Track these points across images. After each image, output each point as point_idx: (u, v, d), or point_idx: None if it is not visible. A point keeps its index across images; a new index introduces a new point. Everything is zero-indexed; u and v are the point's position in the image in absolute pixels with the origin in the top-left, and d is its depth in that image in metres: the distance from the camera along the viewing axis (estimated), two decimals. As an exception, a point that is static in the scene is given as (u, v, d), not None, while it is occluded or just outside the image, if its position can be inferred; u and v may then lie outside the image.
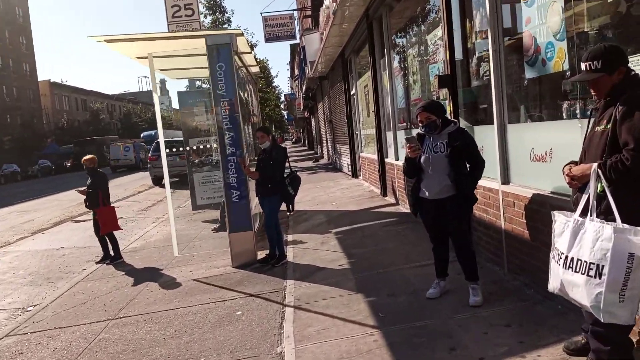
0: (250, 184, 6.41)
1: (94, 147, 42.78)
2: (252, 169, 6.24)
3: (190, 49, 6.86)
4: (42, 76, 67.04)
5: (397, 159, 8.67)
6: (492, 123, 4.64)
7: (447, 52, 5.51)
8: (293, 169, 6.19)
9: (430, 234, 4.29)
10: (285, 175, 6.06)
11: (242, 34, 6.75)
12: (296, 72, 45.76)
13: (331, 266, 5.61)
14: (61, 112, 62.82)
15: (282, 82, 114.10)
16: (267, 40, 20.55)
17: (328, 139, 22.22)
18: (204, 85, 23.72)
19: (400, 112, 8.35)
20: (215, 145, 9.68)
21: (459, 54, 5.49)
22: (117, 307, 5.24)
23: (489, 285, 4.25)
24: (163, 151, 6.51)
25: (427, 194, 4.11)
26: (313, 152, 36.51)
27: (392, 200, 9.09)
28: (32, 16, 63.85)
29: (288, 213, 6.16)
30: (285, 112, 59.12)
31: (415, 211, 4.25)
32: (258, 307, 4.69)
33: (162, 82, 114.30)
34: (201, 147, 10.07)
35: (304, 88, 24.23)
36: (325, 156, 25.03)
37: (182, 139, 10.61)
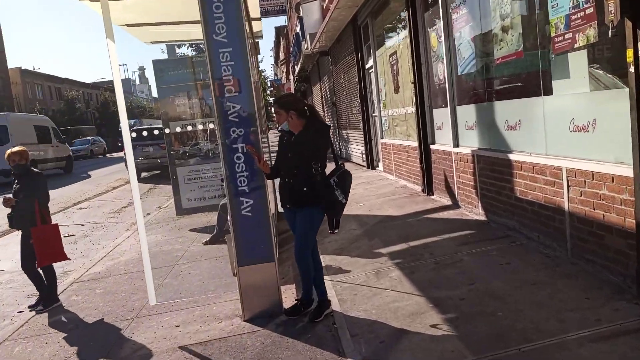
0: (269, 185, 4.06)
1: (69, 138, 39.85)
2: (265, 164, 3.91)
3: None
4: (12, 64, 63.18)
5: (456, 144, 6.37)
6: None
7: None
8: (340, 162, 3.85)
9: None
10: (328, 174, 3.74)
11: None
12: (282, 56, 43.07)
13: (417, 327, 3.30)
14: (34, 102, 59.31)
15: (266, 68, 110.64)
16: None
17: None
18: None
19: (465, 80, 6.03)
20: (203, 128, 7.29)
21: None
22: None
23: None
24: (127, 140, 4.03)
25: None
26: (305, 140, 34.03)
27: (446, 201, 6.80)
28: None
29: (330, 232, 3.83)
30: (271, 99, 56.45)
31: None
32: None
33: (142, 69, 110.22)
34: (187, 131, 7.67)
35: (297, 69, 21.74)
36: (323, 144, 22.63)
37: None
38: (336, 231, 3.83)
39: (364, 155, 12.13)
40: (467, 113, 5.94)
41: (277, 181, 3.91)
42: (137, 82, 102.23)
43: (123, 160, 17.52)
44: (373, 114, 11.47)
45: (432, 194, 7.43)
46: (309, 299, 3.87)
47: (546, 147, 4.28)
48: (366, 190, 8.93)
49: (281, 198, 3.81)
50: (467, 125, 5.98)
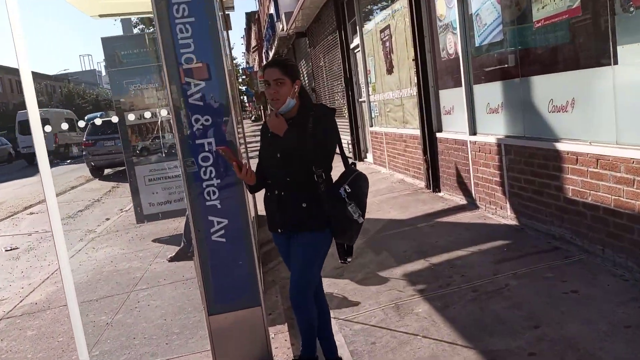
0: (250, 199, 2.89)
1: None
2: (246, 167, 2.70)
3: None
4: (-33, 54, 59.51)
5: (473, 132, 5.28)
6: None
7: None
8: (351, 163, 2.70)
9: None
10: (335, 180, 2.59)
11: None
12: (253, 42, 41.42)
13: (480, 412, 2.21)
14: (-7, 95, 56.20)
15: (237, 56, 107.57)
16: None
17: (306, 113, 18.60)
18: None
19: (486, 52, 4.92)
20: (165, 117, 6.07)
21: None
22: None
23: None
24: (38, 131, 2.76)
25: None
26: (281, 129, 32.71)
27: (459, 200, 5.72)
28: (-51, -15, 56.21)
29: (342, 262, 2.68)
30: (244, 88, 54.72)
31: None
32: None
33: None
34: (146, 121, 6.42)
35: (271, 53, 20.39)
36: (301, 133, 21.40)
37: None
38: (349, 260, 2.69)
39: (350, 146, 10.99)
40: (490, 93, 4.84)
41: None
42: (103, 73, 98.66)
43: (83, 157, 15.98)
44: (360, 99, 10.32)
45: (439, 191, 6.35)
46: (311, 356, 2.73)
47: (617, 133, 3.22)
48: (358, 186, 7.80)
49: (269, 219, 2.63)
50: (489, 109, 4.88)
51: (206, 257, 2.61)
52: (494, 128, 4.81)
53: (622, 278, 3.18)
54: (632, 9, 2.92)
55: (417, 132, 6.70)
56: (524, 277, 3.45)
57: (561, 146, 3.75)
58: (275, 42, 18.22)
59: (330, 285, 3.82)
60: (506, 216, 4.74)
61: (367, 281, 3.87)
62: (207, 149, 2.57)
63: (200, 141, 2.56)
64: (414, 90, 6.59)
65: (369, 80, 9.37)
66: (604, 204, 3.37)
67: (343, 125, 11.80)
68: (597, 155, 3.36)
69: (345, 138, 11.42)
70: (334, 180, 2.55)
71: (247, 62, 58.75)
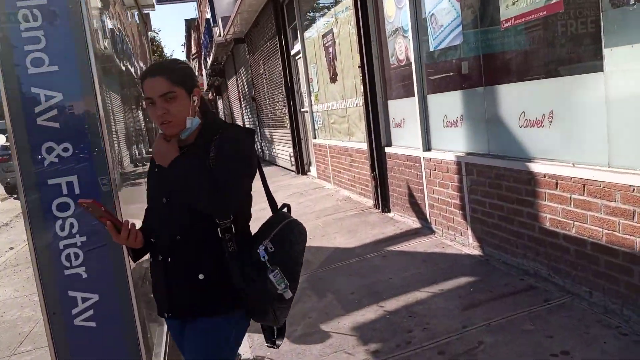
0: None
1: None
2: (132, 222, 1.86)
3: None
4: None
5: (427, 147, 4.67)
6: None
7: None
8: (283, 206, 1.93)
9: None
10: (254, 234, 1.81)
11: None
12: (194, 50, 39.95)
13: None
14: None
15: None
16: (160, 0, 15.46)
17: (246, 123, 17.71)
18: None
19: (443, 58, 4.33)
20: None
21: None
22: None
23: None
24: None
25: None
26: (222, 139, 31.51)
27: (412, 223, 5.09)
28: None
29: (269, 346, 1.89)
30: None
31: None
32: None
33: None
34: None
35: (209, 60, 19.35)
36: (242, 144, 20.44)
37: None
38: (279, 344, 1.91)
39: (293, 158, 10.24)
40: (447, 104, 4.23)
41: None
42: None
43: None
44: (302, 109, 9.61)
45: (389, 211, 5.71)
46: None
47: (609, 154, 2.64)
48: (300, 206, 7.04)
49: (154, 296, 1.79)
50: (446, 122, 4.27)
51: (65, 353, 1.75)
52: (453, 144, 4.21)
53: (619, 331, 2.59)
54: (632, 1, 2.35)
55: (364, 145, 6.05)
56: (500, 330, 2.80)
57: (536, 167, 3.17)
58: (213, 48, 17.26)
59: (261, 346, 3.02)
60: (467, 244, 4.14)
61: (308, 338, 3.10)
62: (65, 192, 1.73)
63: (54, 181, 1.72)
64: (360, 100, 5.94)
65: (311, 89, 8.68)
66: (592, 239, 2.79)
67: (284, 137, 11.05)
68: (584, 180, 2.78)
69: (287, 150, 10.68)
70: (253, 234, 1.78)
71: (188, 70, 56.54)
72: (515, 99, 3.35)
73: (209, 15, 15.47)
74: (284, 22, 9.49)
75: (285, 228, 1.73)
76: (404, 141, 5.19)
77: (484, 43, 3.64)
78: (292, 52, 9.45)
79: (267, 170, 9.88)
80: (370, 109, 5.64)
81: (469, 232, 4.09)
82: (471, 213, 4.01)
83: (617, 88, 2.54)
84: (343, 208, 6.41)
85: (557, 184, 3.00)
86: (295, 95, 9.70)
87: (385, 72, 5.45)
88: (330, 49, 7.14)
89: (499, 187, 3.57)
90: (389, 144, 5.57)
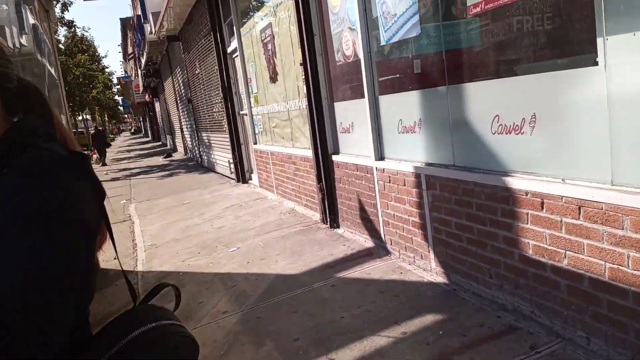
0: None
1: None
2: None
3: None
4: None
5: (380, 156, 4.07)
6: None
7: None
8: (150, 293, 1.17)
9: None
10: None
11: None
12: (130, 49, 38.08)
13: None
14: None
15: (114, 65, 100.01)
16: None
17: (184, 126, 16.67)
18: None
19: (397, 53, 3.73)
20: None
21: None
22: None
23: None
24: None
25: None
26: (160, 143, 30.07)
27: (364, 241, 4.48)
28: None
29: None
30: (120, 99, 50.43)
31: None
32: None
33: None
34: None
35: (143, 60, 18.12)
36: (181, 148, 19.37)
37: None
38: None
39: (232, 166, 9.45)
40: (403, 106, 3.64)
41: None
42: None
43: None
44: (241, 112, 8.84)
45: (338, 227, 5.08)
46: None
47: (612, 169, 2.11)
48: (239, 220, 6.29)
49: None
50: (402, 127, 3.69)
51: None
52: (410, 152, 3.62)
53: (631, 392, 2.07)
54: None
55: (309, 153, 5.40)
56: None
57: (515, 183, 2.62)
58: (146, 47, 16.11)
59: None
60: (430, 269, 3.56)
61: (241, 411, 2.40)
62: None
63: None
64: (303, 103, 5.29)
65: (250, 90, 7.94)
66: (591, 273, 2.26)
67: (222, 142, 10.23)
68: (580, 200, 2.24)
69: (227, 157, 9.87)
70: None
71: (126, 71, 54.30)
72: (487, 100, 2.79)
73: (140, 11, 14.35)
74: (219, 18, 8.70)
75: (131, 349, 0.95)
76: (354, 149, 4.57)
77: (447, 34, 3.07)
78: (229, 50, 8.67)
79: (203, 177, 9.10)
80: (314, 112, 4.99)
81: (431, 255, 3.51)
82: (434, 233, 3.44)
83: (624, 85, 2.01)
84: (287, 223, 5.72)
85: (543, 204, 2.45)
86: (234, 97, 8.93)
87: (331, 71, 4.83)
88: (270, 46, 6.45)
89: (468, 205, 3.00)
90: (337, 152, 4.94)
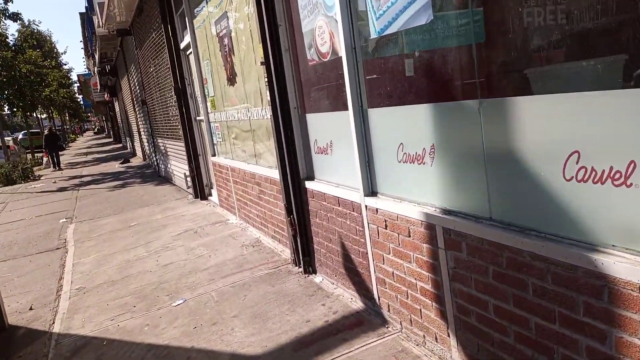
0: None
1: None
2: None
3: None
4: None
5: (371, 191, 2.97)
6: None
7: None
8: None
9: None
10: None
11: None
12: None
13: None
14: None
15: (77, 62, 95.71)
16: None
17: (142, 130, 15.25)
18: None
19: (394, 50, 2.63)
20: None
21: None
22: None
23: None
24: None
25: None
26: (121, 145, 28.34)
27: (349, 299, 3.38)
28: None
29: None
30: (80, 97, 48.00)
31: None
32: None
33: None
34: None
35: (97, 56, 16.57)
36: (139, 153, 17.90)
37: None
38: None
39: (189, 179, 8.21)
40: (405, 124, 2.55)
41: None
42: None
43: None
44: (197, 118, 7.62)
45: (314, 272, 3.98)
46: None
47: None
48: (191, 255, 5.11)
49: None
50: (404, 153, 2.59)
51: None
52: (418, 191, 2.54)
53: None
54: None
55: (276, 174, 4.27)
56: None
57: (618, 269, 1.55)
58: (98, 42, 14.60)
59: None
60: (449, 359, 2.49)
61: None
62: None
63: None
64: (267, 112, 4.16)
65: (206, 93, 6.73)
66: None
67: (178, 151, 8.98)
68: None
69: (183, 168, 8.62)
70: None
71: (88, 69, 51.83)
72: (561, 123, 1.72)
73: (86, 1, 12.87)
74: (169, 8, 7.45)
75: None
76: (334, 175, 3.47)
77: (480, 19, 1.99)
78: (182, 45, 7.43)
79: (159, 190, 7.50)
80: (281, 124, 3.86)
81: (452, 341, 2.44)
82: (457, 312, 2.37)
83: None
84: (250, 262, 4.58)
85: (679, 313, 1.40)
86: (189, 100, 7.70)
87: (302, 72, 3.70)
88: (226, 40, 5.27)
89: (521, 286, 1.94)
90: (311, 177, 3.83)
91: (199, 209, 7.39)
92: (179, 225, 6.57)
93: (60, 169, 18.81)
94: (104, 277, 4.93)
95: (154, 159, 12.69)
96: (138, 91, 13.47)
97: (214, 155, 6.93)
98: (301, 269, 4.06)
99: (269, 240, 5.01)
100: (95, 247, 6.19)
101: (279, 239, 4.74)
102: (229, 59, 5.33)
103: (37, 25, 24.04)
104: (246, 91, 4.96)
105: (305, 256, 4.00)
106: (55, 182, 14.63)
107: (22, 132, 28.91)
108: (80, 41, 57.95)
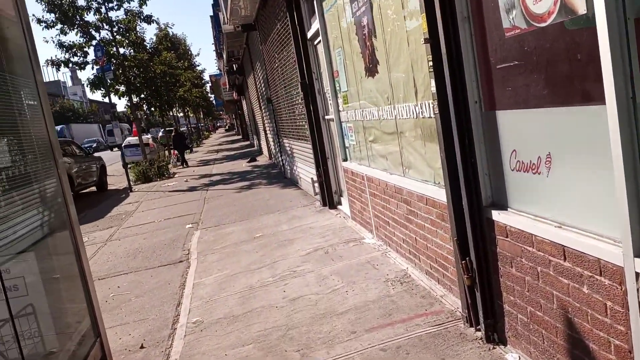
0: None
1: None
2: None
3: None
4: None
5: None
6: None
7: None
8: None
9: None
10: None
11: None
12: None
13: None
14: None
15: (209, 65, 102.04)
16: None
17: (267, 129, 14.94)
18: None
19: None
20: None
21: None
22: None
23: None
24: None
25: None
26: (249, 143, 28.99)
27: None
28: None
29: None
30: (212, 95, 50.83)
31: None
32: None
33: (73, 70, 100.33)
34: None
35: (224, 55, 16.65)
36: (265, 152, 17.76)
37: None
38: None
39: (315, 185, 7.34)
40: None
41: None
42: (70, 83, 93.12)
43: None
44: (327, 117, 6.69)
45: (500, 342, 2.73)
46: None
47: None
48: (323, 287, 4.13)
49: None
50: None
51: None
52: None
53: None
54: None
55: (437, 193, 3.10)
56: None
57: None
58: (224, 40, 14.53)
59: None
60: None
61: None
62: None
63: None
64: (425, 107, 2.99)
65: (337, 88, 5.74)
66: None
67: (305, 152, 8.16)
68: None
69: (310, 172, 7.78)
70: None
71: (219, 69, 54.88)
72: None
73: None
74: (296, -6, 6.59)
75: None
76: (552, 208, 2.19)
77: None
78: (309, 34, 6.53)
79: (287, 193, 6.21)
80: (453, 124, 2.68)
81: None
82: None
83: None
84: (401, 308, 3.46)
85: None
86: (317, 97, 6.79)
87: (490, 50, 2.46)
88: (365, 19, 4.19)
89: None
90: (501, 205, 2.58)
91: (328, 220, 6.46)
92: (306, 240, 5.69)
93: (187, 166, 19.67)
94: (223, 310, 4.16)
95: (280, 159, 12.17)
96: (263, 89, 13.07)
97: (345, 159, 5.92)
98: (480, 334, 2.84)
99: (422, 277, 3.85)
100: (218, 264, 5.54)
101: (438, 278, 3.56)
102: (368, 43, 4.24)
103: (171, 28, 25.26)
104: (392, 82, 3.83)
105: (489, 318, 2.76)
106: (187, 181, 14.89)
107: (162, 130, 30.94)
108: (212, 43, 61.62)
